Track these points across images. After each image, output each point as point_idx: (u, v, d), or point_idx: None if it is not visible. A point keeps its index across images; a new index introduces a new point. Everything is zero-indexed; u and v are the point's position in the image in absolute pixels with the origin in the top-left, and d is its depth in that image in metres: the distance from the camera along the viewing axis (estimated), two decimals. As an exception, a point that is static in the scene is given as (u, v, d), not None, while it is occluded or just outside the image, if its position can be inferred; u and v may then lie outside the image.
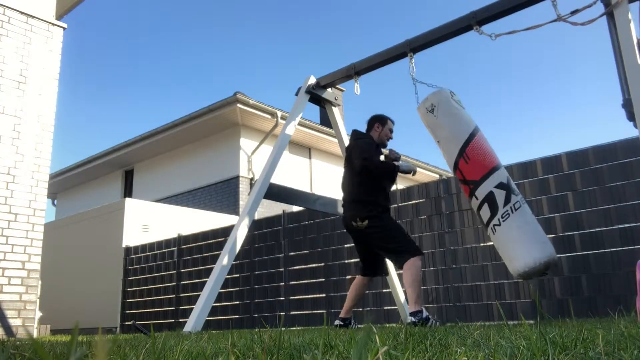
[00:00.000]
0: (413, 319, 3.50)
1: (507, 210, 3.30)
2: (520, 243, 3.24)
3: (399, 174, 4.00)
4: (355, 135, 4.20)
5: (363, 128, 4.24)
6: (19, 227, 5.17)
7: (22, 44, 5.53)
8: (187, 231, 9.05)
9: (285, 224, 7.45)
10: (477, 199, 3.43)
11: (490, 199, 3.37)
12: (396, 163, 3.91)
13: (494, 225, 3.35)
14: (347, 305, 4.11)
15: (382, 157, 4.26)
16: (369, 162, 3.80)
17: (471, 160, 3.50)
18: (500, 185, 3.39)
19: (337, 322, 4.08)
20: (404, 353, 1.04)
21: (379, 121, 4.18)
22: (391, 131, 4.19)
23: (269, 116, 11.86)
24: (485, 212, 3.39)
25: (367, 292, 6.29)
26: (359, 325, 4.04)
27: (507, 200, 3.33)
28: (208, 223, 9.78)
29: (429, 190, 6.01)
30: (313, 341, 1.60)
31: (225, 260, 4.23)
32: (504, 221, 3.30)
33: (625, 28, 3.30)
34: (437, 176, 15.79)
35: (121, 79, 36.93)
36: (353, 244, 6.55)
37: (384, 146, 4.20)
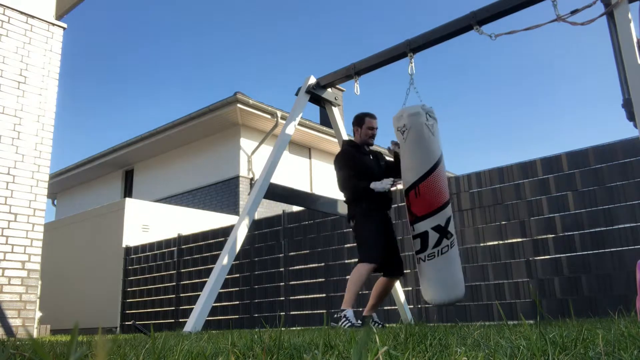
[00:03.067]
0: (339, 314, 3.75)
1: (433, 252, 3.63)
2: (434, 282, 3.64)
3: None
4: (340, 151, 4.31)
5: None
6: (19, 227, 5.17)
7: (22, 44, 5.53)
8: (187, 231, 9.05)
9: (285, 224, 7.45)
10: (413, 230, 3.72)
11: (423, 237, 3.66)
12: (372, 186, 3.88)
13: (419, 258, 3.71)
14: (370, 302, 4.14)
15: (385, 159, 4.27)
16: (343, 190, 4.08)
17: (421, 196, 3.69)
18: (437, 228, 3.65)
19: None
20: (404, 353, 1.04)
21: (356, 124, 4.20)
22: (371, 128, 4.14)
23: (269, 116, 11.86)
24: (416, 245, 3.71)
25: (366, 291, 6.29)
26: (381, 323, 4.03)
27: (437, 244, 3.64)
28: (208, 223, 9.78)
29: (429, 190, 6.00)
30: (313, 341, 1.60)
31: (225, 260, 4.23)
32: (428, 260, 3.65)
33: (625, 28, 3.29)
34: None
35: (121, 78, 36.93)
36: (353, 244, 6.59)
37: (369, 144, 4.19)
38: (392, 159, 4.24)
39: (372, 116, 4.19)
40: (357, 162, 4.06)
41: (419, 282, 3.82)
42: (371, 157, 4.16)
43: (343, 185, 4.11)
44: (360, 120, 4.16)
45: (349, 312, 3.72)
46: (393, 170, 4.21)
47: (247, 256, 7.81)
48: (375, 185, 3.86)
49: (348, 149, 4.20)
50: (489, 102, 34.68)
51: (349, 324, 3.63)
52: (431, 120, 3.77)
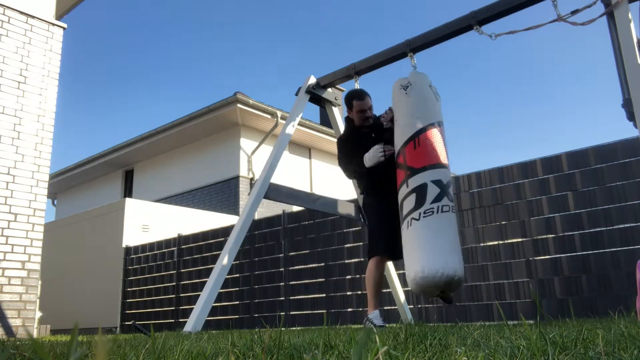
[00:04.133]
0: (365, 319, 3.61)
1: (432, 208, 3.01)
2: (431, 247, 2.95)
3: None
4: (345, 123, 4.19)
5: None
6: (19, 227, 5.17)
7: (22, 44, 5.53)
8: (187, 231, 9.05)
9: (285, 224, 7.45)
10: (407, 187, 3.16)
11: (421, 190, 3.10)
12: (364, 159, 3.65)
13: (412, 218, 3.06)
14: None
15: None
16: (345, 171, 3.97)
17: (420, 147, 3.22)
18: (437, 182, 3.12)
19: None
20: (404, 353, 1.04)
21: (347, 106, 3.98)
22: (362, 111, 3.85)
23: (269, 116, 11.86)
24: (409, 204, 3.10)
25: (367, 291, 6.29)
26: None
27: (437, 199, 3.05)
28: (208, 223, 9.78)
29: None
30: (313, 341, 1.60)
31: (225, 260, 4.23)
32: (424, 217, 3.02)
33: (626, 28, 3.29)
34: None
35: (121, 78, 36.93)
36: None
37: (367, 126, 3.92)
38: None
39: (360, 97, 3.91)
40: (351, 146, 3.88)
41: (405, 256, 3.12)
42: (373, 135, 3.87)
43: (346, 171, 3.97)
44: (349, 104, 3.95)
45: (373, 314, 3.59)
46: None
47: (247, 256, 7.81)
48: (366, 159, 3.60)
49: (348, 133, 4.07)
50: (488, 102, 34.68)
51: (381, 323, 3.54)
52: (434, 88, 3.62)
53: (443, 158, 3.31)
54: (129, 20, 34.41)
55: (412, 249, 3.01)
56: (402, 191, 3.24)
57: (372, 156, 3.60)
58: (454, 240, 3.06)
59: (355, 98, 3.92)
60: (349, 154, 3.89)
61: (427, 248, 2.94)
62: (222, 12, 32.88)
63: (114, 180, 15.82)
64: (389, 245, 3.62)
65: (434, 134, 3.37)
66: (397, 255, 3.72)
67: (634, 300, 2.81)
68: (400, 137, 3.45)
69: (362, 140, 3.88)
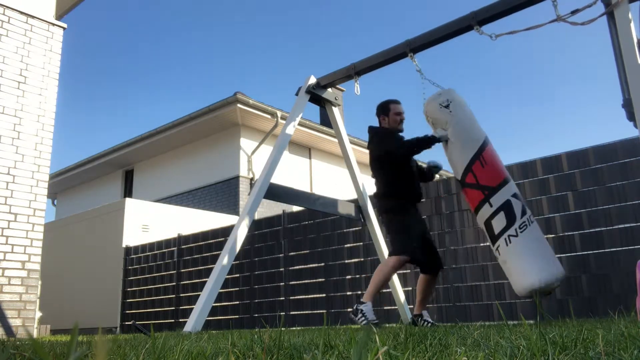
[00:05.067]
0: (358, 306, 3.61)
1: (524, 222, 3.17)
2: (538, 257, 3.10)
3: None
4: (370, 132, 4.14)
5: (375, 121, 4.16)
6: (19, 227, 5.17)
7: (22, 44, 5.53)
8: (187, 231, 9.05)
9: (285, 224, 7.45)
10: (491, 206, 3.25)
11: (507, 207, 3.20)
12: (437, 134, 3.66)
13: (510, 235, 3.18)
14: (418, 298, 4.01)
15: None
16: (393, 151, 3.85)
17: (488, 165, 3.36)
18: (515, 196, 3.30)
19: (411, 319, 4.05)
20: (404, 353, 1.04)
21: (381, 112, 4.05)
22: (399, 113, 4.01)
23: (269, 116, 11.86)
24: (500, 222, 3.21)
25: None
26: (431, 322, 3.89)
27: (523, 212, 3.22)
28: (208, 223, 9.78)
29: (429, 190, 6.00)
30: (313, 341, 1.60)
31: (225, 260, 4.23)
32: (521, 232, 3.16)
33: (626, 28, 3.29)
34: (437, 176, 15.78)
35: (121, 78, 36.93)
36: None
37: (401, 131, 4.05)
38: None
39: (396, 102, 4.07)
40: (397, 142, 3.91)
41: (508, 272, 3.22)
42: None
43: (403, 147, 3.81)
44: (385, 108, 4.03)
45: (367, 307, 3.58)
46: (418, 171, 4.19)
47: (247, 256, 7.81)
48: (437, 134, 3.64)
49: (386, 132, 4.02)
50: (488, 102, 34.69)
51: (365, 320, 3.52)
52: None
53: (505, 171, 3.47)
54: (128, 20, 34.41)
55: (522, 261, 3.14)
56: (486, 210, 3.30)
57: (444, 134, 3.66)
58: (547, 243, 3.29)
59: (392, 102, 4.06)
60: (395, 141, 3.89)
61: (538, 258, 3.11)
62: (222, 12, 32.88)
63: (114, 180, 15.81)
64: (418, 250, 3.70)
65: (491, 150, 3.49)
66: (432, 268, 3.84)
67: (634, 300, 2.81)
68: (462, 157, 3.49)
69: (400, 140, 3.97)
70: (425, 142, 3.69)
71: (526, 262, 3.12)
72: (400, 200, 3.86)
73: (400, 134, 4.06)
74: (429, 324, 3.79)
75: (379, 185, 3.96)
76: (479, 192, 3.37)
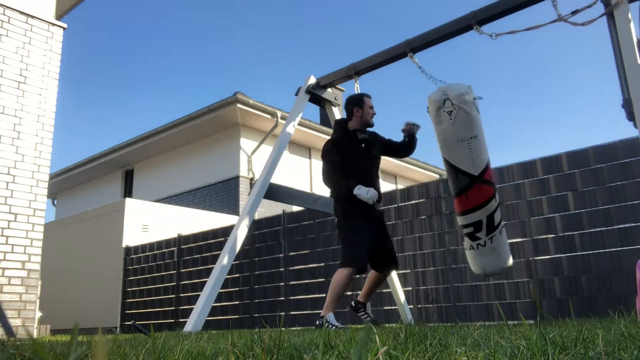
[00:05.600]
0: (317, 323, 3.66)
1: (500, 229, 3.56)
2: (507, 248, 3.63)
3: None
4: (339, 125, 4.16)
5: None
6: (19, 227, 5.17)
7: (22, 44, 5.53)
8: (187, 231, 9.05)
9: (285, 224, 7.45)
10: (496, 200, 3.47)
11: (500, 203, 3.59)
12: (355, 192, 3.70)
13: (503, 226, 3.56)
14: (365, 289, 4.09)
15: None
16: (327, 184, 3.95)
17: (492, 177, 3.63)
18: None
19: (352, 303, 4.12)
20: (404, 353, 1.04)
21: (356, 105, 3.99)
22: (371, 107, 4.00)
23: (269, 116, 11.86)
24: (499, 214, 3.51)
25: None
26: (372, 317, 4.00)
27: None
28: (208, 223, 9.78)
29: (429, 190, 6.01)
30: (313, 341, 1.60)
31: (225, 260, 4.23)
32: (503, 229, 3.55)
33: (625, 28, 3.29)
34: (437, 176, 15.79)
35: (121, 78, 36.94)
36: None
37: (371, 125, 4.04)
38: (391, 140, 4.18)
39: (369, 96, 4.06)
40: (346, 158, 3.87)
41: (494, 257, 3.54)
42: (363, 145, 3.97)
43: (327, 179, 3.94)
44: (360, 101, 3.98)
45: (330, 316, 3.66)
46: (395, 150, 4.17)
47: (247, 256, 7.81)
48: (360, 193, 3.67)
49: (339, 139, 4.01)
50: (488, 102, 34.68)
51: (333, 327, 3.54)
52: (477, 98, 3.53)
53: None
54: (129, 20, 34.42)
55: (506, 247, 3.59)
56: (492, 204, 3.50)
57: (366, 198, 3.67)
58: None
59: (365, 96, 4.04)
60: (337, 162, 3.87)
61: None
62: (222, 12, 32.89)
63: (114, 180, 15.82)
64: (365, 259, 3.77)
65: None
66: (384, 267, 3.93)
67: (634, 300, 2.81)
68: (483, 153, 3.51)
69: (353, 146, 3.92)
70: (345, 191, 3.77)
71: (507, 246, 3.60)
72: (348, 205, 3.79)
73: (371, 128, 4.06)
74: (368, 318, 3.88)
75: (330, 187, 3.96)
76: (491, 187, 3.51)
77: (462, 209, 3.49)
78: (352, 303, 4.07)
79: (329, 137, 4.20)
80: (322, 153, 4.05)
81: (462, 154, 3.47)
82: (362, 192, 3.69)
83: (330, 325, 3.56)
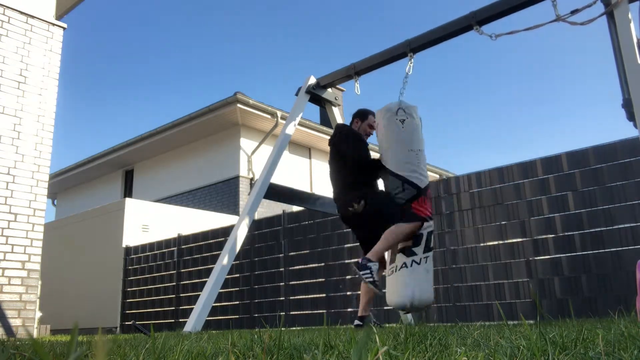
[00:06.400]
0: (365, 262, 3.44)
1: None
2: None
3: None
4: (339, 128, 4.14)
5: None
6: (19, 227, 5.17)
7: (22, 44, 5.53)
8: (187, 231, 9.05)
9: (285, 224, 7.45)
10: (433, 224, 3.62)
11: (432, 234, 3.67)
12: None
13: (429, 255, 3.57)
14: (362, 301, 3.87)
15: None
16: (360, 157, 3.80)
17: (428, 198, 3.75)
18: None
19: (356, 322, 3.84)
20: (404, 353, 1.04)
21: (359, 117, 4.07)
22: (371, 127, 4.03)
23: (269, 116, 11.86)
24: (431, 242, 3.61)
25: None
26: (379, 323, 3.87)
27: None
28: (208, 223, 9.78)
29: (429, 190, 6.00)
30: (313, 341, 1.60)
31: (225, 260, 4.23)
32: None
33: (625, 28, 3.29)
34: (437, 176, 15.79)
35: (121, 78, 36.94)
36: (353, 244, 6.59)
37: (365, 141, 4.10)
38: None
39: (375, 115, 4.08)
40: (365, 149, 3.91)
41: (423, 281, 3.51)
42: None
43: (361, 157, 3.80)
44: (364, 116, 4.05)
45: (375, 266, 3.43)
46: None
47: (247, 256, 7.81)
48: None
49: (359, 134, 4.03)
50: (488, 102, 34.70)
51: (371, 278, 3.39)
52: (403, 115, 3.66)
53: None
54: (129, 20, 34.42)
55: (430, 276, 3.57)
56: (432, 224, 3.61)
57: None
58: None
59: (372, 114, 4.06)
60: (364, 147, 3.89)
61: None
62: (222, 12, 32.89)
63: (114, 180, 15.82)
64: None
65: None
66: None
67: (634, 300, 2.81)
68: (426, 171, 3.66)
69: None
70: (376, 167, 3.79)
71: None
72: (373, 190, 3.82)
73: None
74: (379, 325, 3.71)
75: (340, 183, 3.87)
76: (430, 207, 3.68)
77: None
78: (356, 321, 3.83)
79: (329, 138, 4.17)
80: (344, 134, 3.95)
81: (411, 165, 3.54)
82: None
83: (370, 276, 3.39)
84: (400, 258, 3.41)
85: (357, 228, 3.97)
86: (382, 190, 3.85)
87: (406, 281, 3.40)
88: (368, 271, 3.42)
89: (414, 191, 3.50)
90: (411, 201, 3.50)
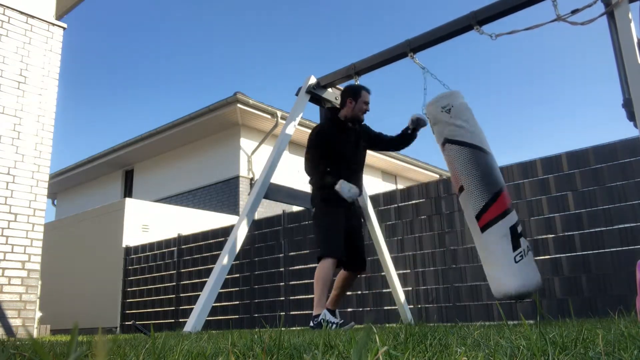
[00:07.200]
0: (311, 324, 3.48)
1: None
2: None
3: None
4: (327, 114, 4.08)
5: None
6: (19, 227, 5.17)
7: (22, 44, 5.53)
8: (187, 231, 9.05)
9: (285, 224, 7.45)
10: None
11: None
12: (337, 187, 3.64)
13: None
14: (332, 295, 3.87)
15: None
16: (309, 173, 3.87)
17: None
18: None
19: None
20: (404, 353, 1.04)
21: (351, 96, 3.95)
22: (366, 103, 3.95)
23: (269, 116, 11.86)
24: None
25: (366, 291, 6.28)
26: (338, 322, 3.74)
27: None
28: (208, 223, 9.78)
29: (429, 190, 6.00)
30: (313, 341, 1.60)
31: (225, 260, 4.23)
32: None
33: (626, 28, 3.29)
34: (437, 176, 15.79)
35: (121, 78, 36.93)
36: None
37: (360, 121, 4.02)
38: (381, 134, 4.15)
39: (368, 90, 4.02)
40: (331, 148, 3.82)
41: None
42: (352, 138, 3.96)
43: (310, 168, 3.85)
44: (357, 93, 3.94)
45: (325, 314, 3.47)
46: (387, 143, 4.13)
47: (247, 256, 7.81)
48: (342, 190, 3.61)
49: (327, 126, 3.98)
50: (488, 102, 34.71)
51: (333, 324, 3.40)
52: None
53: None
54: (129, 20, 34.42)
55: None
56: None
57: (347, 195, 3.64)
58: None
59: (364, 89, 4.00)
60: (322, 151, 3.83)
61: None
62: (223, 12, 32.89)
63: (114, 180, 15.82)
64: (343, 252, 3.68)
65: None
66: (355, 268, 3.86)
67: (634, 300, 2.81)
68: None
69: (340, 135, 3.89)
70: (326, 186, 3.72)
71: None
72: (327, 198, 3.73)
73: (351, 127, 4.02)
74: (335, 325, 3.56)
75: (311, 176, 3.87)
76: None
77: (510, 204, 3.45)
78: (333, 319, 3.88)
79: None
80: (309, 139, 3.95)
81: (493, 161, 3.57)
82: (344, 189, 3.63)
83: (330, 324, 3.41)
84: (524, 242, 3.44)
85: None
86: (330, 216, 3.75)
87: (534, 265, 3.49)
88: (326, 324, 3.38)
89: (502, 181, 3.54)
90: (503, 190, 3.48)
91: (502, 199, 3.43)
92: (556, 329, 1.65)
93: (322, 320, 3.44)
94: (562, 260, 4.90)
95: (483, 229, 3.43)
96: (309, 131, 3.90)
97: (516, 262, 3.36)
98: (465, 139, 3.52)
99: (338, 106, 5.32)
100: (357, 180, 3.86)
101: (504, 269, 3.37)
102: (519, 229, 3.45)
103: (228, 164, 12.27)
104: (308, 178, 4.01)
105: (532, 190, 5.19)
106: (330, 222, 3.71)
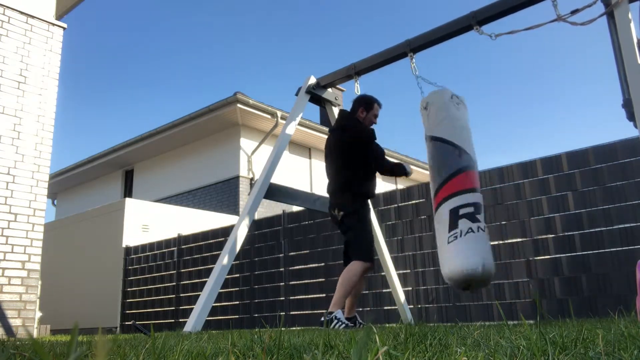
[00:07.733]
0: (329, 315, 3.51)
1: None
2: None
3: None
4: (349, 120, 4.06)
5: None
6: (19, 227, 5.17)
7: (22, 44, 5.53)
8: (187, 231, 9.05)
9: (285, 224, 7.45)
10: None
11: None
12: (408, 169, 3.98)
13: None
14: (348, 302, 3.88)
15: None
16: (382, 166, 3.99)
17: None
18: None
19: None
20: (404, 353, 1.04)
21: (364, 105, 4.00)
22: (375, 117, 4.01)
23: (269, 116, 11.86)
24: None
25: (366, 291, 6.28)
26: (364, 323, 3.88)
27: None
28: (208, 223, 9.78)
29: (429, 190, 6.00)
30: (313, 341, 1.60)
31: (225, 260, 4.23)
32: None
33: (626, 28, 3.29)
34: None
35: (121, 78, 36.93)
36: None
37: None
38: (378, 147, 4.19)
39: (380, 104, 4.08)
40: (369, 152, 3.89)
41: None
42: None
43: (347, 167, 3.80)
44: (370, 105, 4.00)
45: (339, 313, 3.51)
46: (377, 160, 4.19)
47: (247, 256, 7.81)
48: (409, 168, 3.99)
49: (368, 129, 3.96)
50: (488, 102, 34.71)
51: (343, 325, 3.43)
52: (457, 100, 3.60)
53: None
54: (129, 20, 34.42)
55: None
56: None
57: (409, 171, 3.98)
58: None
59: (376, 102, 4.06)
60: (364, 155, 3.88)
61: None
62: (223, 12, 32.89)
63: (114, 180, 15.82)
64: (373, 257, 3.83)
65: None
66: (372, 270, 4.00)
67: (634, 300, 2.81)
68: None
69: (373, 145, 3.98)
70: (397, 170, 3.97)
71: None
72: (360, 200, 3.82)
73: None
74: (343, 325, 3.58)
75: (337, 177, 3.87)
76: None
77: (463, 187, 3.33)
78: (350, 322, 3.90)
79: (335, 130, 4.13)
80: (353, 138, 3.90)
81: (468, 140, 3.51)
82: (408, 168, 4.10)
83: (340, 323, 3.42)
84: (465, 223, 3.20)
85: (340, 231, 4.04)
86: (365, 223, 3.84)
87: (475, 247, 3.15)
88: (336, 321, 3.43)
89: (469, 160, 3.45)
90: (465, 169, 3.44)
91: (450, 184, 3.36)
92: (556, 329, 1.65)
93: (334, 317, 3.46)
94: (562, 260, 4.90)
95: (435, 215, 3.41)
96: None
97: (449, 242, 3.17)
98: (433, 134, 3.55)
99: (338, 105, 5.33)
100: (374, 187, 4.03)
101: (440, 251, 3.27)
102: (464, 211, 3.25)
103: (228, 164, 12.27)
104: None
105: (532, 190, 5.19)
106: (369, 229, 3.87)
